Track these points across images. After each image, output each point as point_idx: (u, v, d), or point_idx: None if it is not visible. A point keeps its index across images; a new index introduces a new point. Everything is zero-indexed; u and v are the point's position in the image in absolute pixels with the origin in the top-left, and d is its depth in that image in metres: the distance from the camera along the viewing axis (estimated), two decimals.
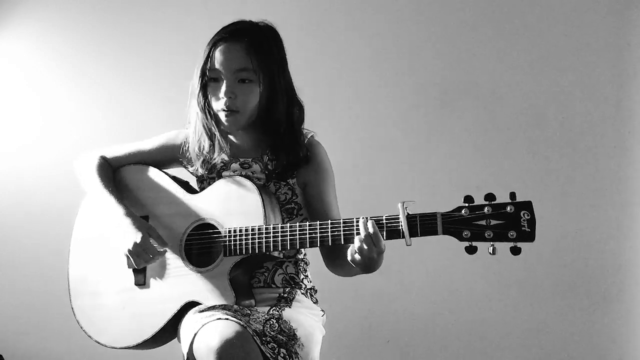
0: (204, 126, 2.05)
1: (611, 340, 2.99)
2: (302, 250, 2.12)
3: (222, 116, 2.03)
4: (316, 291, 2.14)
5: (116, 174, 2.17)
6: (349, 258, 1.84)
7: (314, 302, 2.10)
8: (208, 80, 2.03)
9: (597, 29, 3.03)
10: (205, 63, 2.02)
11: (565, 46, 3.05)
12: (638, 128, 3.00)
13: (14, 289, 3.29)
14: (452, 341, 3.06)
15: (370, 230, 1.80)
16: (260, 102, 2.03)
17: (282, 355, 1.83)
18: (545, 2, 3.07)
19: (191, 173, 2.15)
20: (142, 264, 2.03)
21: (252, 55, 2.00)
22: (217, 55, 2.01)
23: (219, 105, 2.02)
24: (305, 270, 2.12)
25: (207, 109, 2.04)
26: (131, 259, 2.02)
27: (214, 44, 2.02)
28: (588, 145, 3.02)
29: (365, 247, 1.80)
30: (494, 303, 3.05)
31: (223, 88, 2.01)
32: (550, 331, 3.01)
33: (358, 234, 1.82)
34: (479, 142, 3.08)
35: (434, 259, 3.05)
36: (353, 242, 1.83)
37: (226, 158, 2.08)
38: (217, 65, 2.01)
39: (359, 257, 1.82)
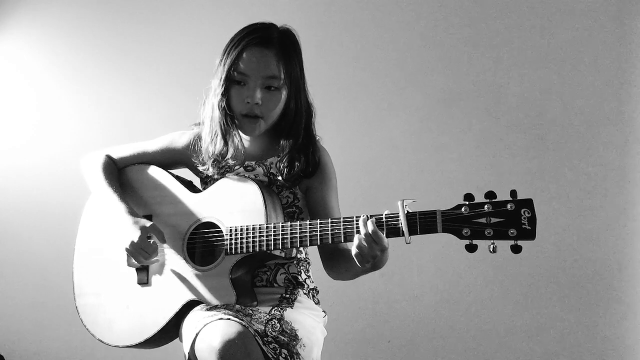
0: (220, 126, 2.03)
1: (611, 340, 2.97)
2: (303, 250, 2.11)
3: (244, 120, 2.01)
4: (318, 292, 2.13)
5: (121, 174, 2.18)
6: (353, 253, 1.82)
7: (315, 303, 2.10)
8: (232, 82, 2.01)
9: (598, 29, 3.03)
10: (233, 64, 1.99)
11: (565, 46, 3.05)
12: (638, 128, 2.99)
13: (13, 288, 3.30)
14: (453, 341, 3.05)
15: (370, 228, 1.78)
16: (282, 110, 2.03)
17: (283, 355, 1.83)
18: (545, 3, 3.08)
19: (200, 173, 2.13)
20: (141, 262, 2.02)
21: (282, 64, 1.99)
22: (247, 58, 1.98)
23: (241, 108, 2.00)
24: (308, 271, 2.12)
25: (226, 109, 2.01)
26: (130, 257, 2.02)
27: (244, 46, 1.98)
28: (589, 145, 3.02)
29: (366, 244, 1.78)
30: (495, 303, 3.04)
31: (249, 92, 1.99)
32: (550, 331, 3.00)
33: (358, 232, 1.80)
34: (480, 143, 3.08)
35: (435, 260, 3.05)
36: (353, 240, 1.82)
37: (231, 162, 2.06)
38: (245, 69, 1.98)
39: (360, 254, 1.80)
